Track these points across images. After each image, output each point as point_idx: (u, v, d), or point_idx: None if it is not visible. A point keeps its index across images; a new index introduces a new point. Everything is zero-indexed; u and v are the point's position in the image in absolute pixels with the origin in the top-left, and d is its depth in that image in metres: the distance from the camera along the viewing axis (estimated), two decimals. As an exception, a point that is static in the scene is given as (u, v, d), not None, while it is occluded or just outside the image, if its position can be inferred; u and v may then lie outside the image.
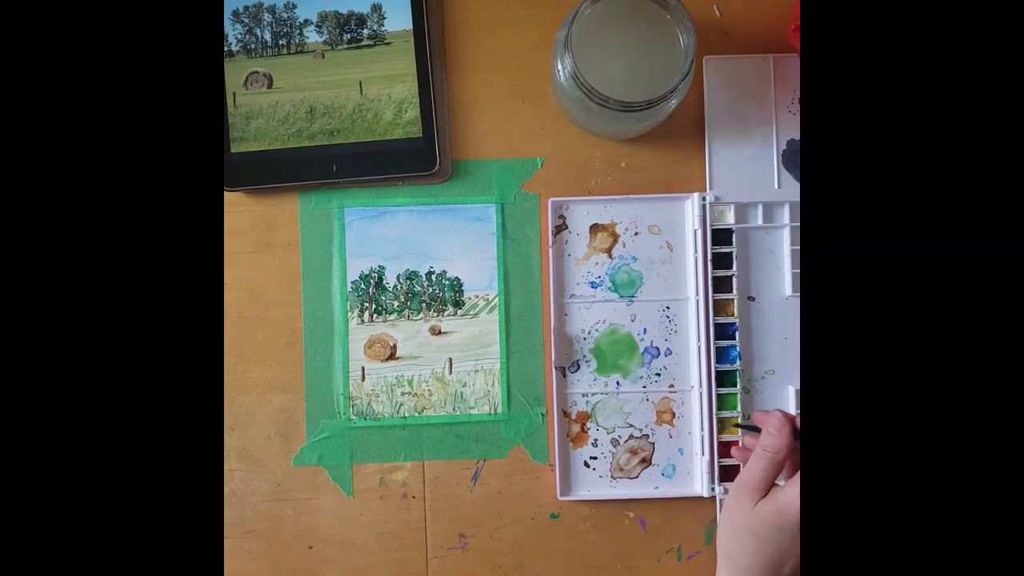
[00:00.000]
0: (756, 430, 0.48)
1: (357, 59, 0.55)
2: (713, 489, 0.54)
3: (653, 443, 0.56)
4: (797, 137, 0.56)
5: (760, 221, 0.55)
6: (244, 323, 0.56)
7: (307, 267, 0.56)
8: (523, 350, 0.56)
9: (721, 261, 0.55)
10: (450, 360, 0.56)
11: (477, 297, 0.56)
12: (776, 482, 0.46)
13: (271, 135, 0.55)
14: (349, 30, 0.56)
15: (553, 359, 0.55)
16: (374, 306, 0.56)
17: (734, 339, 0.55)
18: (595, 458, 0.56)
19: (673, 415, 0.56)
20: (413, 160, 0.55)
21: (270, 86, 0.55)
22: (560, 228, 0.56)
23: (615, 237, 0.56)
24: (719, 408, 0.55)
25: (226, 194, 0.56)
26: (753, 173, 0.55)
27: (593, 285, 0.56)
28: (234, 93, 0.55)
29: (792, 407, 0.55)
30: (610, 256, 0.56)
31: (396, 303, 0.56)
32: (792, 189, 0.55)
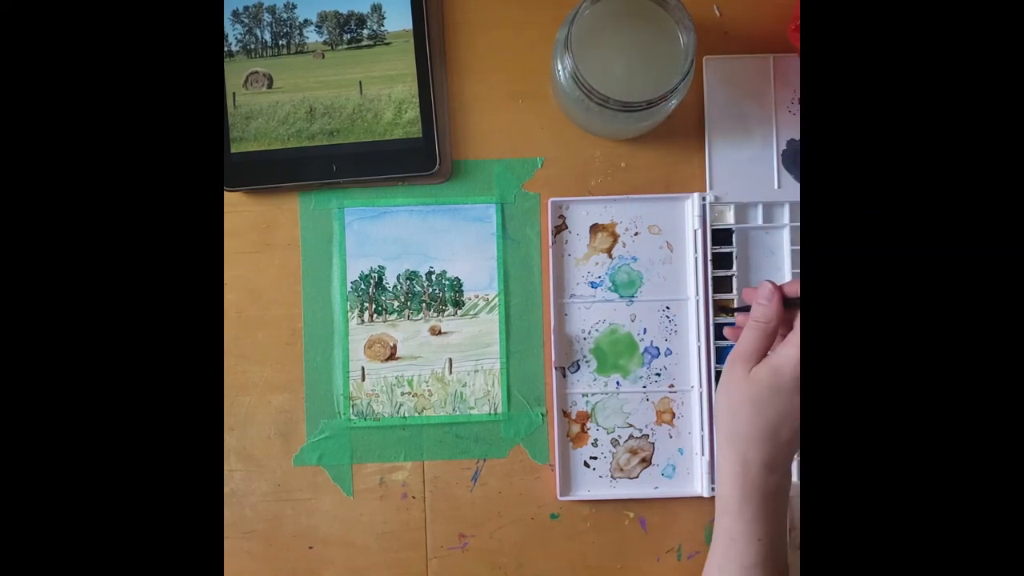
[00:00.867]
0: (749, 310, 0.48)
1: (357, 59, 0.55)
2: (713, 489, 0.54)
3: (653, 443, 0.56)
4: (797, 137, 0.56)
5: (760, 221, 0.55)
6: (244, 323, 0.56)
7: (307, 267, 0.56)
8: (523, 350, 0.56)
9: (721, 261, 0.55)
10: (450, 360, 0.56)
11: (477, 297, 0.56)
12: None
13: (271, 135, 0.55)
14: (349, 30, 0.56)
15: (553, 359, 0.55)
16: (374, 306, 0.56)
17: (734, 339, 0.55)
18: (595, 458, 0.56)
19: (673, 415, 0.56)
20: (413, 160, 0.55)
21: (270, 86, 0.55)
22: (560, 228, 0.56)
23: (615, 237, 0.56)
24: (719, 408, 0.55)
25: (226, 194, 0.56)
26: (753, 173, 0.55)
27: (593, 285, 0.56)
28: (234, 93, 0.55)
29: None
30: (610, 256, 0.56)
31: (396, 303, 0.56)
32: (792, 189, 0.55)
